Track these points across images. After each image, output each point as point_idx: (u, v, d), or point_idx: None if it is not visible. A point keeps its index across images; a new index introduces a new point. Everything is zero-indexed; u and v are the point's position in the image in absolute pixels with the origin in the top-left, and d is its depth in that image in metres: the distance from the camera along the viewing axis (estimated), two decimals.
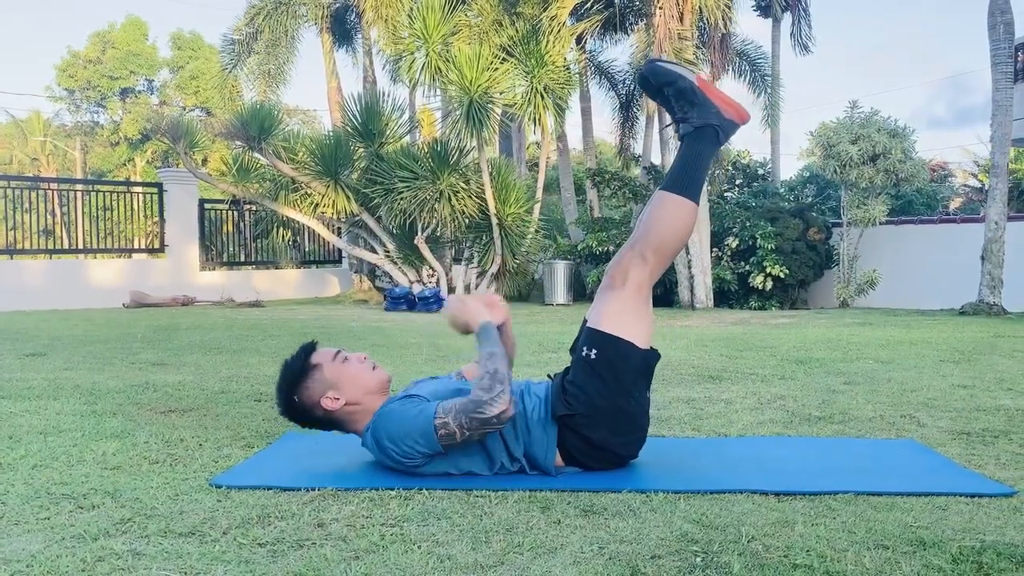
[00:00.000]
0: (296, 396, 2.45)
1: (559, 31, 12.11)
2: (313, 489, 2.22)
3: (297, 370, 2.46)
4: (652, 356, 2.45)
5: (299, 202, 12.67)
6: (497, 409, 2.26)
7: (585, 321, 2.46)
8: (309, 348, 2.51)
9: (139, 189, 14.55)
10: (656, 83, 2.53)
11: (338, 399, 2.42)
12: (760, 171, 17.36)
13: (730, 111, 2.50)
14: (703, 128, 2.47)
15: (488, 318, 2.50)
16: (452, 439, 2.27)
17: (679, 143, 2.56)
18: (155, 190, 13.65)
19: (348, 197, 12.19)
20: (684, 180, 2.47)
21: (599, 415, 2.35)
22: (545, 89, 11.69)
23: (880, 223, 12.36)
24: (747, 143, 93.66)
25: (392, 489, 2.23)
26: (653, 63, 2.57)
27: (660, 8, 11.31)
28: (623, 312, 2.40)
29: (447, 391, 2.44)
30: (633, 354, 2.38)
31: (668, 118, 2.63)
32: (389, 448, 2.33)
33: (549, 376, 2.55)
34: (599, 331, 2.40)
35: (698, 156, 2.50)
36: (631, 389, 2.38)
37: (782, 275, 11.78)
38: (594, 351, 2.37)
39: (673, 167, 2.53)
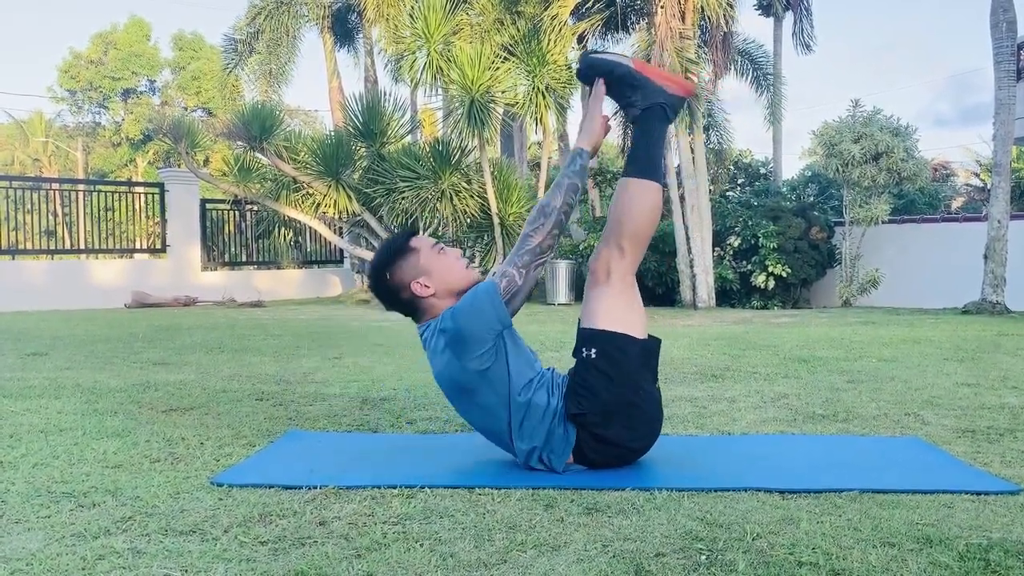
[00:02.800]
0: (389, 273, 2.47)
1: (560, 30, 12.09)
2: (315, 487, 2.21)
3: (396, 249, 2.49)
4: (652, 344, 2.44)
5: (301, 202, 12.67)
6: (538, 238, 2.37)
7: (580, 323, 2.46)
8: (411, 232, 2.56)
9: (141, 189, 14.54)
10: (594, 75, 2.57)
11: (427, 286, 2.44)
12: (762, 170, 17.35)
13: (673, 87, 2.55)
14: (650, 108, 2.52)
15: (583, 143, 2.52)
16: (513, 285, 2.36)
17: (632, 128, 2.58)
18: (157, 190, 13.64)
19: (350, 197, 12.18)
20: (642, 162, 2.50)
21: (610, 412, 2.34)
22: (547, 88, 11.68)
23: (882, 222, 12.35)
24: (750, 142, 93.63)
25: (394, 487, 2.21)
26: (587, 55, 2.63)
27: (661, 7, 11.29)
28: (613, 306, 2.41)
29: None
30: (632, 345, 2.38)
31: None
32: (459, 317, 2.33)
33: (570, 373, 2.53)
34: (594, 329, 2.39)
35: (651, 136, 2.53)
36: (638, 380, 2.38)
37: (784, 274, 11.77)
38: (593, 350, 2.37)
39: (630, 152, 2.57)
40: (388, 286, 2.48)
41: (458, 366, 2.36)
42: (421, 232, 11.66)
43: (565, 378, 2.46)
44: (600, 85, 2.55)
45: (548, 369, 2.49)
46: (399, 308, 2.53)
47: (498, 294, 2.33)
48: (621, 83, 2.53)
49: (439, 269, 2.45)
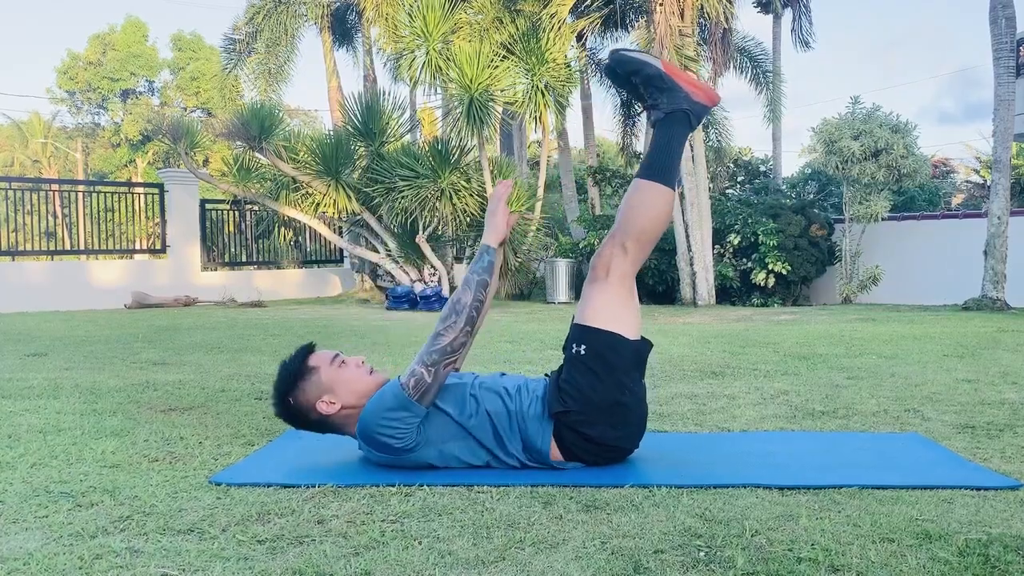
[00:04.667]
0: (292, 398, 2.43)
1: (560, 28, 12.08)
2: (313, 486, 2.21)
3: (294, 372, 2.44)
4: (643, 346, 2.43)
5: (300, 202, 12.66)
6: (450, 336, 2.33)
7: (573, 318, 2.45)
8: (307, 350, 2.49)
9: (140, 190, 14.54)
10: (623, 72, 2.54)
11: (334, 403, 2.40)
12: (762, 168, 17.34)
13: (699, 94, 2.51)
14: (674, 113, 2.48)
15: (489, 240, 2.49)
16: (423, 384, 2.29)
17: (652, 130, 2.56)
18: (156, 191, 13.64)
19: (349, 196, 12.17)
20: (659, 167, 2.47)
21: (595, 410, 2.33)
22: (546, 87, 11.67)
23: (882, 219, 12.34)
24: (749, 140, 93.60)
25: (393, 485, 2.21)
26: (618, 52, 2.58)
27: (660, 5, 11.28)
28: (609, 305, 2.40)
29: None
30: (623, 346, 2.37)
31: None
32: (372, 429, 2.31)
33: (546, 375, 2.53)
34: (586, 326, 2.39)
35: (671, 142, 2.50)
36: (624, 381, 2.36)
37: (784, 272, 11.76)
38: (583, 347, 2.36)
39: (647, 154, 2.54)
40: (294, 410, 2.44)
41: (401, 459, 2.35)
42: (421, 230, 11.64)
43: (541, 380, 2.47)
44: (501, 185, 2.54)
45: (471, 374, 2.50)
46: (313, 429, 2.48)
47: (406, 396, 2.28)
48: (648, 84, 2.50)
49: (342, 383, 2.41)
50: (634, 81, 2.52)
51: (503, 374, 2.55)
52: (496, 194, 2.55)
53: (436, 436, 2.35)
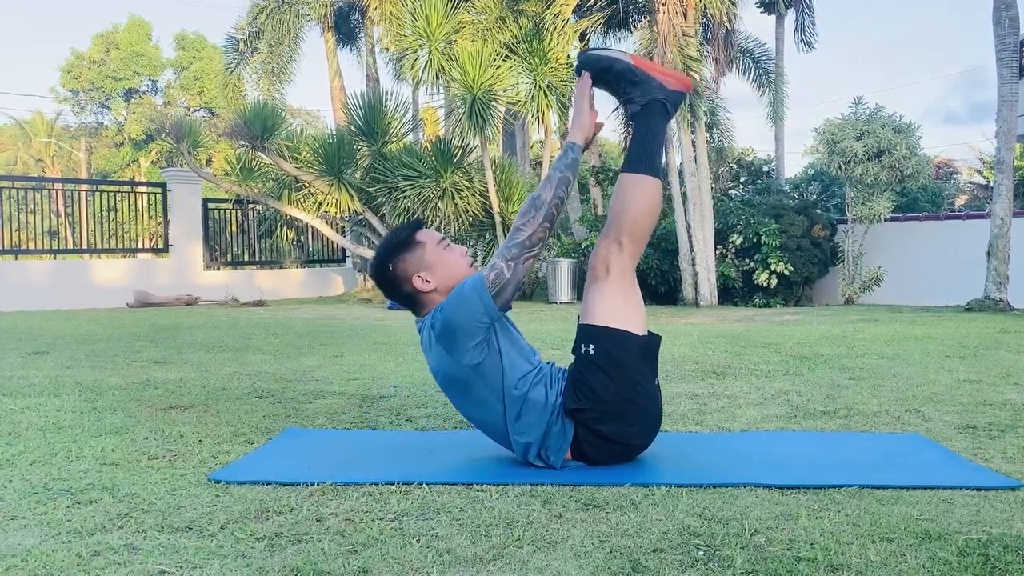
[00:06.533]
0: (392, 265, 2.46)
1: (562, 28, 12.08)
2: (312, 484, 2.21)
3: (401, 240, 2.47)
4: (651, 340, 2.43)
5: (303, 201, 12.67)
6: (529, 230, 2.34)
7: (579, 319, 2.45)
8: (417, 224, 2.53)
9: (143, 189, 14.56)
10: (594, 72, 2.55)
11: (429, 282, 2.43)
12: (765, 168, 17.32)
13: (672, 82, 2.53)
14: (650, 104, 2.50)
15: (575, 138, 2.49)
16: (501, 278, 2.31)
17: (631, 124, 2.57)
18: (159, 190, 13.65)
19: (351, 196, 12.18)
20: (642, 158, 2.49)
21: (608, 408, 2.33)
22: (548, 87, 11.66)
23: (885, 220, 12.31)
24: (752, 140, 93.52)
25: (391, 484, 2.21)
26: (585, 53, 2.61)
27: (664, 5, 11.27)
28: (612, 302, 2.40)
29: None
30: (631, 341, 2.36)
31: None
32: (448, 314, 2.32)
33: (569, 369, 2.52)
34: (592, 325, 2.39)
35: (651, 132, 2.51)
36: (636, 377, 2.36)
37: (787, 272, 11.74)
38: (592, 346, 2.36)
39: (629, 147, 2.56)
40: (390, 278, 2.47)
41: (450, 361, 2.36)
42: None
43: (565, 372, 2.45)
44: (586, 79, 2.53)
45: (548, 363, 2.48)
46: (399, 300, 2.51)
47: (484, 287, 2.31)
48: (620, 79, 2.52)
49: (442, 265, 2.44)
50: (606, 78, 2.54)
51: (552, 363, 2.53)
52: (582, 87, 2.53)
53: (485, 372, 2.34)
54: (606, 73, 2.53)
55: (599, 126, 2.56)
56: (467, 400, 2.42)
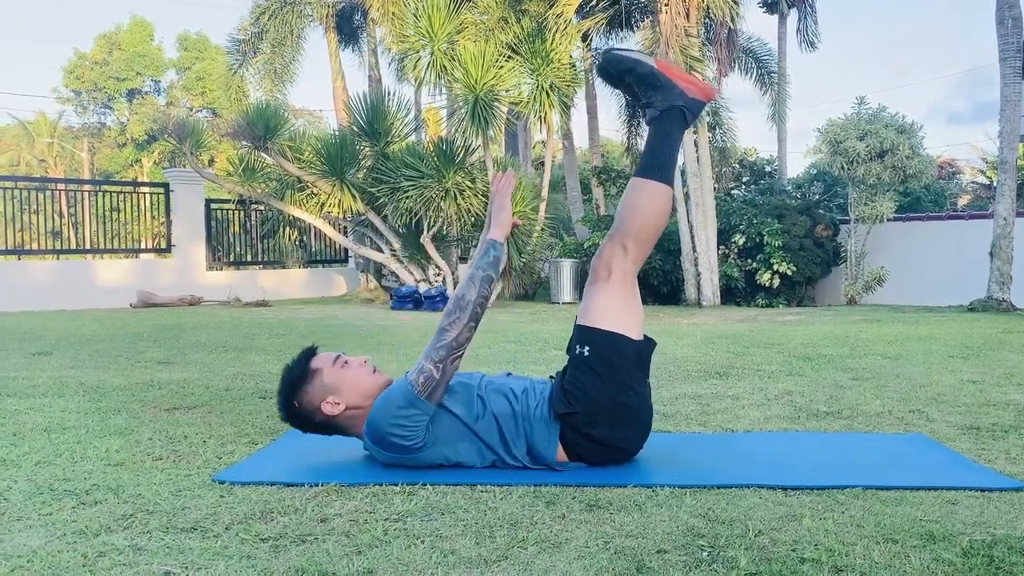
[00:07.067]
0: (296, 401, 2.43)
1: (565, 28, 12.07)
2: (316, 485, 2.21)
3: (297, 375, 2.44)
4: (646, 346, 2.42)
5: (305, 201, 12.67)
6: (455, 331, 2.32)
7: (576, 319, 2.45)
8: (309, 353, 2.48)
9: (146, 190, 14.56)
10: (616, 72, 2.54)
11: (338, 403, 2.40)
12: (767, 168, 17.30)
13: (693, 90, 2.51)
14: (669, 110, 2.48)
15: (495, 235, 2.47)
16: (431, 381, 2.29)
17: (648, 128, 2.55)
18: (162, 190, 13.66)
19: (354, 196, 12.18)
20: (656, 164, 2.47)
21: (599, 411, 2.33)
22: (551, 87, 11.66)
23: (888, 220, 12.30)
24: (754, 140, 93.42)
25: (396, 484, 2.21)
26: (610, 52, 2.58)
27: (666, 5, 11.27)
28: (611, 305, 2.39)
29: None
30: (626, 346, 2.36)
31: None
32: (381, 427, 2.31)
33: (551, 377, 2.53)
34: (589, 327, 2.38)
35: (667, 139, 2.50)
36: (628, 381, 2.36)
37: (789, 272, 11.74)
38: (587, 348, 2.36)
39: (644, 152, 2.54)
40: (299, 413, 2.44)
41: (411, 457, 2.35)
42: (426, 230, 11.63)
43: (546, 382, 2.46)
44: (508, 175, 2.51)
45: (478, 374, 2.50)
46: (318, 431, 2.48)
47: (414, 393, 2.29)
48: (642, 82, 2.50)
49: (346, 383, 2.41)
50: (627, 80, 2.52)
51: (509, 374, 2.55)
52: (501, 187, 2.52)
53: (444, 436, 2.35)
54: (628, 74, 2.51)
55: (516, 224, 2.54)
56: (458, 456, 2.39)
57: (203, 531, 1.86)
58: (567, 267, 12.61)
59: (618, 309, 2.39)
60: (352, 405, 2.41)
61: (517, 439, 2.36)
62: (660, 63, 2.51)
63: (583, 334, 2.39)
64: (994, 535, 1.80)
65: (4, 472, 2.38)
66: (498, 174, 2.53)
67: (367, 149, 12.63)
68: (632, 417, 2.38)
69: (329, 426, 2.45)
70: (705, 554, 1.70)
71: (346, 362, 2.46)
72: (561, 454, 2.38)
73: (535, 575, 1.61)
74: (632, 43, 14.33)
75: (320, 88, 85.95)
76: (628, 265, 2.41)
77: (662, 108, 2.48)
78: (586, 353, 2.36)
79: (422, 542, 1.78)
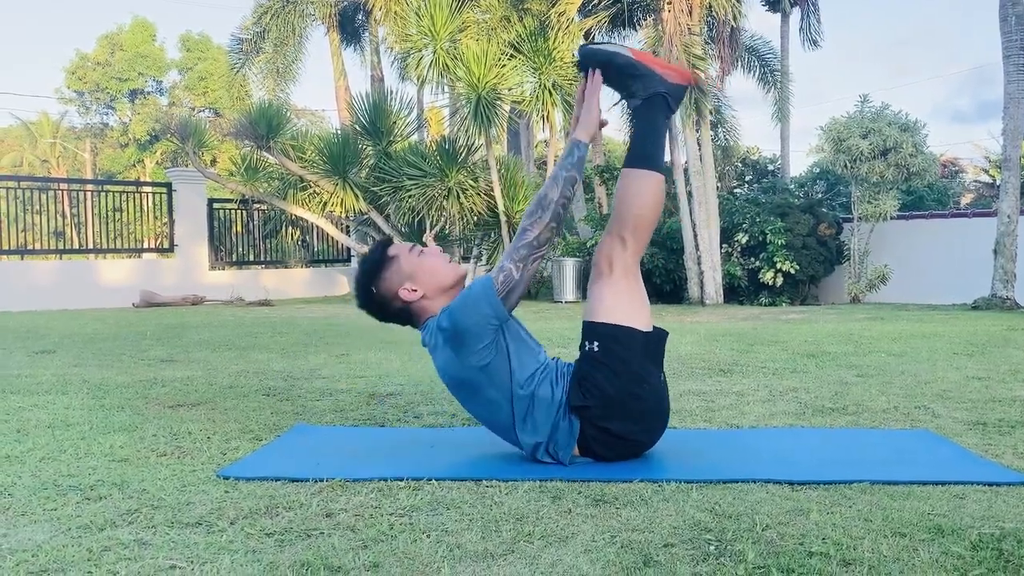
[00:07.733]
0: (374, 287, 2.46)
1: (567, 27, 12.06)
2: (321, 480, 2.20)
3: (375, 261, 2.48)
4: (655, 336, 2.41)
5: (308, 201, 12.68)
6: (536, 231, 2.33)
7: (584, 316, 2.44)
8: (386, 242, 2.54)
9: (148, 189, 14.57)
10: (594, 65, 2.53)
11: (415, 290, 2.43)
12: (770, 167, 17.29)
13: (673, 75, 2.51)
14: (651, 98, 2.48)
15: (581, 135, 2.46)
16: (510, 280, 2.31)
17: (631, 118, 2.55)
18: (164, 190, 13.67)
19: (356, 195, 12.19)
20: (644, 153, 2.47)
21: (613, 405, 2.33)
22: (553, 86, 11.66)
23: (891, 218, 12.27)
24: (757, 139, 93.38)
25: (401, 480, 2.20)
26: (585, 47, 2.59)
27: (669, 3, 11.25)
28: (616, 299, 2.39)
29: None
30: (634, 338, 2.36)
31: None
32: (456, 317, 2.31)
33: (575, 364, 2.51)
34: (595, 323, 2.38)
35: (653, 126, 2.50)
36: (641, 373, 2.35)
37: (792, 271, 11.72)
38: (595, 344, 2.36)
39: (631, 142, 2.55)
40: (376, 300, 2.47)
41: (458, 363, 2.35)
42: (428, 229, 11.65)
43: (571, 367, 2.45)
44: (596, 75, 2.51)
45: (553, 359, 2.47)
46: (393, 319, 2.51)
47: (493, 289, 2.30)
48: (621, 73, 2.50)
49: (423, 271, 2.44)
50: (608, 73, 2.52)
51: (557, 359, 2.51)
52: (590, 87, 2.50)
53: (493, 373, 2.34)
54: (607, 67, 2.51)
55: (604, 123, 2.54)
56: (475, 401, 2.42)
57: (208, 526, 1.86)
58: (570, 266, 12.59)
59: (624, 303, 2.38)
60: (428, 292, 2.43)
61: (540, 427, 2.34)
62: (636, 52, 2.52)
63: (591, 330, 2.38)
64: (1003, 528, 1.79)
65: (9, 468, 2.38)
66: (591, 74, 2.50)
67: (370, 148, 12.64)
68: (646, 409, 2.37)
69: (404, 313, 2.47)
70: (712, 548, 1.69)
71: (422, 251, 2.50)
72: (575, 448, 2.37)
73: (542, 569, 1.60)
74: (635, 41, 14.31)
75: (322, 87, 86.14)
76: (629, 258, 2.41)
77: (644, 97, 2.48)
78: (595, 349, 2.35)
79: (428, 536, 1.78)
